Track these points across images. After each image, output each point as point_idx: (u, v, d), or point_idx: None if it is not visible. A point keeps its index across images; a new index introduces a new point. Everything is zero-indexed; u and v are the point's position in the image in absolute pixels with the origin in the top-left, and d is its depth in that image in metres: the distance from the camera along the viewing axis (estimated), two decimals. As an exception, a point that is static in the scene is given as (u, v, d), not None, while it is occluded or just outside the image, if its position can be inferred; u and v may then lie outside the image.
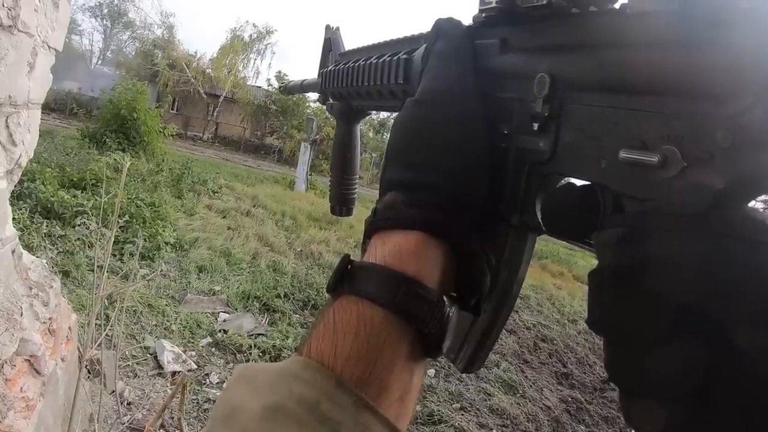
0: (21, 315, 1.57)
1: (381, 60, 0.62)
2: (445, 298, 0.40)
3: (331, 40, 0.84)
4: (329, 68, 0.79)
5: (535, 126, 0.42)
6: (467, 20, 0.50)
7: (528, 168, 0.44)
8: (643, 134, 0.33)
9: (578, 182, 0.42)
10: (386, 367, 0.36)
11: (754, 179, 0.29)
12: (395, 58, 0.59)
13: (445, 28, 0.49)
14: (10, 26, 1.32)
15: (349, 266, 0.41)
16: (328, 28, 0.86)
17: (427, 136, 0.45)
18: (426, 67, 0.49)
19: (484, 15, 0.47)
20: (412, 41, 0.60)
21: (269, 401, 0.32)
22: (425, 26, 0.53)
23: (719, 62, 0.29)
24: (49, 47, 1.58)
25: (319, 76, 0.85)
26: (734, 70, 0.28)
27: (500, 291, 0.49)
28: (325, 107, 0.86)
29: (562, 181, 0.43)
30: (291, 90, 1.04)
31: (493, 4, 0.45)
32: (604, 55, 0.36)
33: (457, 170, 0.43)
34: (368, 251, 0.42)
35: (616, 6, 0.37)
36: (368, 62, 0.65)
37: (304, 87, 0.97)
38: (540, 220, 0.44)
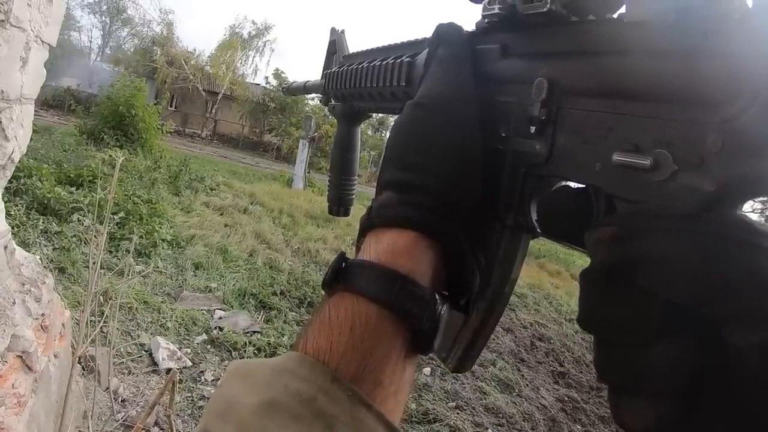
0: (13, 311, 1.57)
1: (384, 62, 0.63)
2: (437, 296, 0.41)
3: (335, 43, 0.86)
4: (333, 70, 0.80)
5: (532, 129, 0.43)
6: (467, 25, 0.51)
7: (524, 170, 0.45)
8: (637, 138, 0.34)
9: (573, 184, 0.43)
10: (380, 363, 0.37)
11: (744, 183, 0.30)
12: (398, 60, 0.61)
13: (446, 33, 0.51)
14: (2, 21, 1.31)
15: (344, 263, 0.42)
16: (333, 30, 0.88)
17: (423, 139, 0.46)
18: (427, 72, 0.50)
19: (486, 21, 0.48)
20: (414, 45, 0.61)
21: (265, 397, 0.33)
22: (429, 29, 0.55)
23: (711, 70, 0.30)
24: (42, 42, 1.57)
25: (322, 77, 0.86)
26: (725, 78, 0.29)
27: (493, 291, 0.50)
28: (326, 108, 0.87)
29: (558, 184, 0.45)
30: (294, 91, 1.06)
31: (495, 11, 0.46)
32: (601, 61, 0.37)
33: (451, 173, 0.45)
34: (363, 249, 0.44)
35: (614, 15, 0.38)
36: (372, 64, 0.66)
37: (307, 88, 0.98)
38: (535, 222, 0.45)
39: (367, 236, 0.45)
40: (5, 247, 1.64)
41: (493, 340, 5.56)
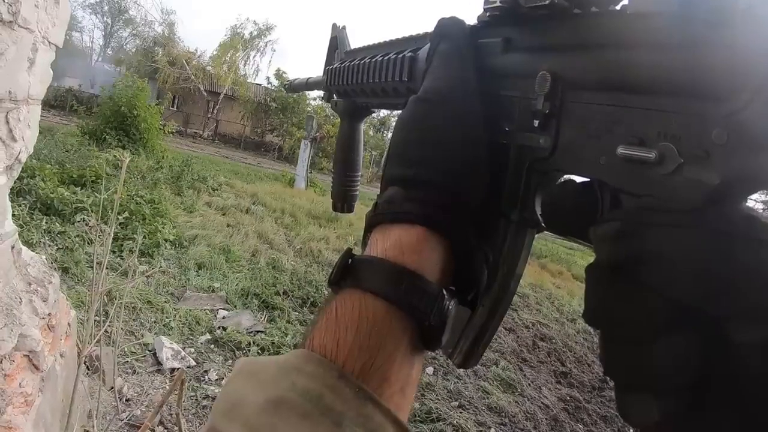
0: (20, 310, 1.57)
1: (386, 57, 0.63)
2: (444, 292, 0.40)
3: (337, 39, 0.85)
4: (335, 65, 0.79)
5: (536, 123, 0.42)
6: (469, 19, 0.51)
7: (528, 165, 0.45)
8: (641, 131, 0.34)
9: (578, 179, 0.43)
10: (388, 359, 0.36)
11: (749, 176, 0.30)
12: (400, 56, 0.60)
13: (448, 28, 0.50)
14: (10, 22, 1.32)
15: (351, 260, 0.41)
16: (334, 26, 0.87)
17: (428, 135, 0.46)
18: (429, 66, 0.50)
19: (488, 14, 0.48)
20: (416, 40, 0.61)
21: (272, 394, 0.33)
22: (430, 25, 0.54)
23: (716, 62, 0.30)
24: (49, 43, 1.58)
25: (324, 73, 0.86)
26: (731, 70, 0.29)
27: (498, 286, 0.50)
28: (328, 105, 0.86)
29: (562, 178, 0.44)
30: (296, 88, 1.05)
31: (497, 4, 0.46)
32: (604, 54, 0.37)
33: (456, 169, 0.44)
34: (369, 245, 0.43)
35: (617, 7, 0.38)
36: (374, 60, 0.66)
37: (309, 85, 0.98)
38: (540, 216, 0.45)
39: (374, 232, 0.44)
40: (12, 247, 1.65)
41: (496, 339, 5.55)
